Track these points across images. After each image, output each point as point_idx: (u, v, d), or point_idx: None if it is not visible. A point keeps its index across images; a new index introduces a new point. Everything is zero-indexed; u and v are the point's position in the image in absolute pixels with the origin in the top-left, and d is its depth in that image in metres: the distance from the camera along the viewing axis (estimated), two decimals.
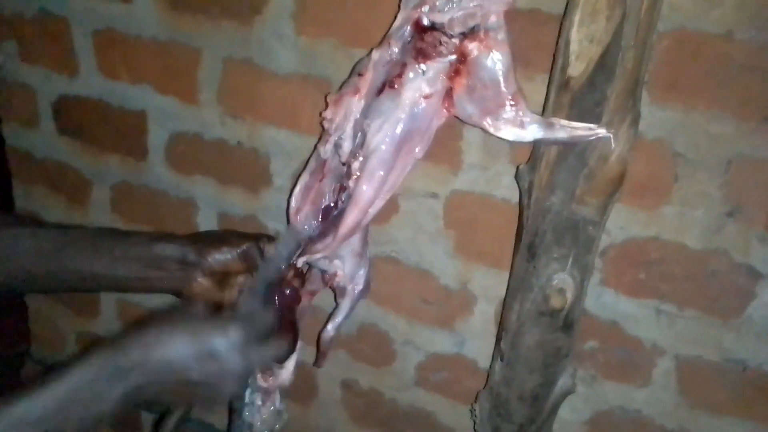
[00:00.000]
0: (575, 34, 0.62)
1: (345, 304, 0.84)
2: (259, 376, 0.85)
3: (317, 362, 0.92)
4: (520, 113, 0.64)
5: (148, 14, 0.97)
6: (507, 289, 0.77)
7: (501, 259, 0.84)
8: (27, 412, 0.51)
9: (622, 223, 0.78)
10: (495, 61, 0.63)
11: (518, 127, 0.64)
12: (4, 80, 1.15)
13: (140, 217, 1.14)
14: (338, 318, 0.85)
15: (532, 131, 0.64)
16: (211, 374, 0.57)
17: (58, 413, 0.52)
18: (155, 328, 0.57)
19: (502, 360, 0.78)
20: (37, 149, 1.19)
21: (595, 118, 0.63)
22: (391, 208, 0.91)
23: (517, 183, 0.74)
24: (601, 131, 0.63)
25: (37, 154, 1.19)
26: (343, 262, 0.80)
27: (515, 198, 0.79)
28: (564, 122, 0.64)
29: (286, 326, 0.82)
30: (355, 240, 0.79)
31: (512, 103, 0.64)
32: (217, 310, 0.68)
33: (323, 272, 0.83)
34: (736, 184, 0.71)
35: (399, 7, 0.70)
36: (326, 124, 0.74)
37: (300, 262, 0.79)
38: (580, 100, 0.63)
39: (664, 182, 0.74)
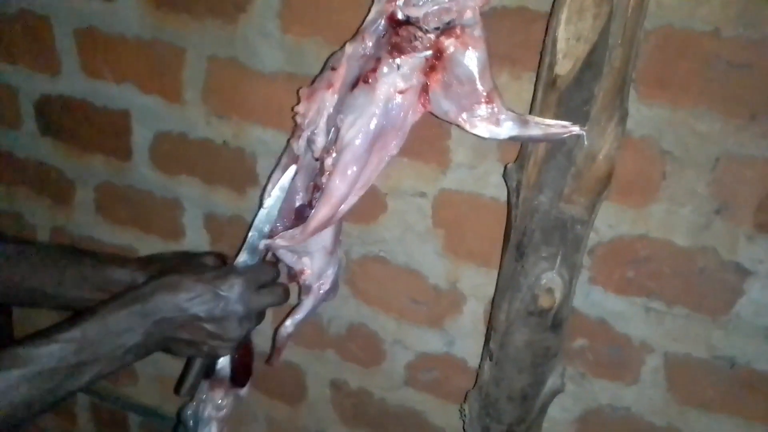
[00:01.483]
0: (562, 33, 0.61)
1: (308, 303, 0.82)
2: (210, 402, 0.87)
3: (270, 360, 0.89)
4: (495, 110, 0.64)
5: (131, 13, 0.95)
6: (496, 288, 0.77)
7: (490, 258, 0.84)
8: (67, 342, 0.60)
9: (611, 222, 0.77)
10: (471, 58, 0.62)
11: (493, 124, 0.64)
12: None
13: (125, 219, 1.12)
14: (298, 315, 0.83)
15: (507, 128, 0.64)
16: (217, 315, 0.66)
17: (93, 344, 0.62)
18: (172, 277, 0.67)
19: (491, 360, 0.78)
20: (20, 149, 1.17)
21: (582, 117, 0.63)
22: (379, 207, 0.90)
23: (506, 182, 0.73)
24: (575, 128, 0.63)
25: (19, 155, 1.17)
26: (312, 260, 0.78)
27: (504, 197, 0.78)
28: (538, 119, 0.64)
29: (242, 352, 0.82)
30: (327, 237, 0.77)
31: (487, 100, 0.64)
32: (224, 262, 0.73)
33: (289, 268, 0.82)
34: (724, 181, 0.71)
35: (372, 0, 0.69)
36: (299, 119, 0.73)
37: (262, 245, 0.76)
38: (567, 98, 0.63)
39: (652, 180, 0.74)
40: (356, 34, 0.69)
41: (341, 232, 0.82)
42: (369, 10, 0.69)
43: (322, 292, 0.82)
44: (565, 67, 0.62)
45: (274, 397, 1.13)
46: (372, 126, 0.67)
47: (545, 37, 0.65)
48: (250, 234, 0.73)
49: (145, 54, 0.97)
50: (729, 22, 0.65)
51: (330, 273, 0.81)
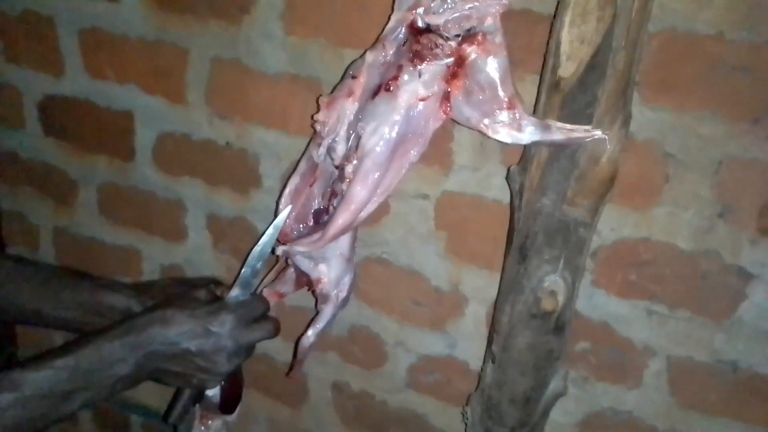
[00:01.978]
0: (566, 35, 0.61)
1: (327, 311, 0.82)
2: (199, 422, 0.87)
3: (292, 372, 0.90)
4: (517, 116, 0.64)
5: (135, 14, 0.95)
6: (498, 290, 0.77)
7: (492, 260, 0.84)
8: (61, 369, 0.62)
9: (613, 224, 0.77)
10: (492, 64, 0.63)
11: (515, 130, 0.64)
12: None
13: (127, 219, 1.13)
14: (319, 325, 0.83)
15: (529, 134, 0.64)
16: (207, 350, 0.68)
17: (86, 372, 0.63)
18: (166, 310, 0.68)
19: (493, 362, 0.78)
20: (23, 150, 1.17)
21: (585, 119, 0.63)
22: (381, 209, 0.90)
23: (508, 184, 0.73)
24: (597, 133, 0.63)
25: (22, 155, 1.18)
26: (329, 267, 0.78)
27: (506, 199, 0.78)
28: (560, 124, 0.64)
29: (231, 380, 0.82)
30: (345, 244, 0.78)
31: (509, 106, 0.64)
32: (216, 298, 0.74)
33: (305, 275, 0.81)
34: (727, 185, 0.71)
35: (392, 8, 0.69)
36: (318, 127, 0.73)
37: (280, 251, 0.76)
38: (570, 101, 0.63)
39: (655, 183, 0.74)
40: (376, 42, 0.70)
41: (357, 238, 0.81)
42: (389, 18, 0.69)
43: (340, 299, 0.82)
44: (568, 69, 0.62)
45: (276, 398, 1.13)
46: (393, 134, 0.67)
47: (549, 39, 0.65)
48: (243, 270, 0.74)
49: (149, 55, 0.97)
50: (733, 26, 0.65)
51: (347, 280, 0.81)
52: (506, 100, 0.64)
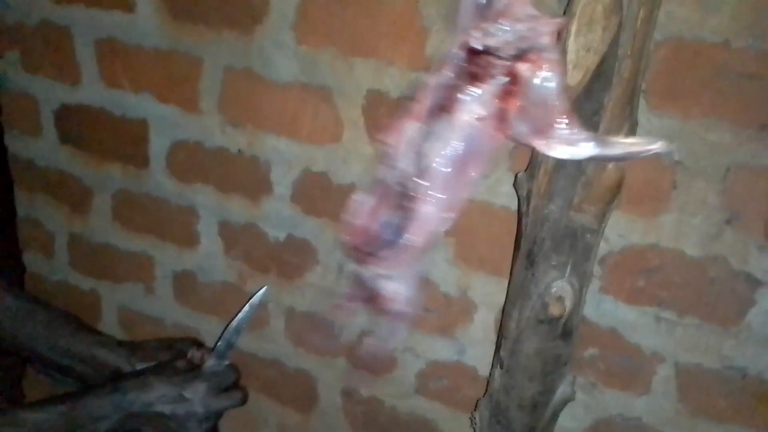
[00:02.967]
0: (572, 44, 0.62)
1: (399, 328, 0.84)
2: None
3: (372, 373, 0.93)
4: (574, 131, 0.63)
5: (150, 24, 0.97)
6: (506, 296, 0.78)
7: (501, 266, 0.84)
8: (55, 414, 0.72)
9: (621, 231, 0.78)
10: (546, 81, 0.62)
11: (571, 145, 0.63)
12: (7, 89, 1.16)
13: (141, 226, 1.14)
14: (385, 339, 0.85)
15: (586, 149, 0.63)
16: (180, 414, 0.77)
17: (75, 420, 0.72)
18: (147, 377, 0.77)
19: (501, 368, 0.78)
20: (39, 158, 1.19)
21: (592, 127, 0.63)
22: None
23: (516, 191, 0.74)
24: (657, 146, 0.61)
25: (39, 163, 1.20)
26: (402, 286, 0.81)
27: (514, 206, 0.79)
28: (618, 139, 0.63)
29: None
30: (417, 263, 0.79)
31: (565, 121, 0.63)
32: (194, 367, 0.81)
33: (378, 292, 0.83)
34: (735, 191, 0.71)
35: (451, 32, 0.70)
36: (386, 149, 0.76)
37: (353, 270, 0.80)
38: (577, 108, 0.64)
39: (663, 190, 0.74)
40: (436, 64, 0.72)
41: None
42: (434, 38, 0.71)
43: (411, 316, 0.83)
44: (575, 77, 0.63)
45: (286, 403, 1.14)
46: (455, 153, 0.69)
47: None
48: (219, 343, 0.81)
49: (163, 64, 0.99)
50: (739, 34, 0.66)
51: (415, 297, 0.83)
52: (562, 115, 0.63)
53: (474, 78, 0.67)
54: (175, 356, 0.84)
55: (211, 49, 0.94)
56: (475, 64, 0.66)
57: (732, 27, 0.66)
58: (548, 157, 0.67)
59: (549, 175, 0.67)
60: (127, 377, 0.79)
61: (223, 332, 0.81)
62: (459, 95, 0.68)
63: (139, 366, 0.83)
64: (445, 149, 0.69)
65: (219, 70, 0.95)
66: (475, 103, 0.67)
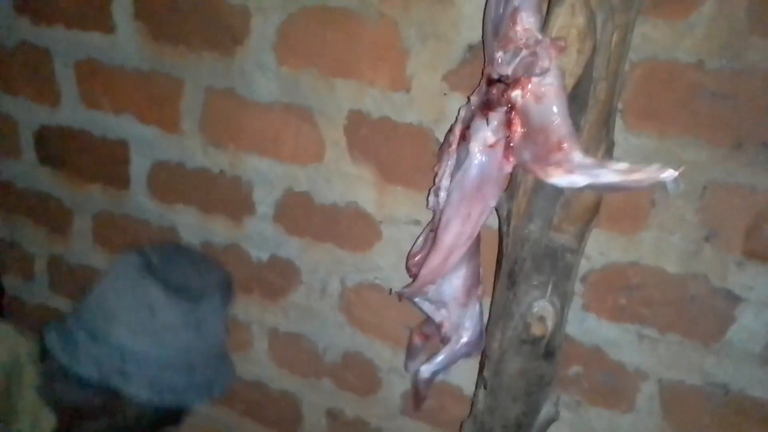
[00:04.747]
0: None
1: (444, 352, 0.85)
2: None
3: (415, 405, 0.92)
4: (568, 158, 0.61)
5: (130, 45, 0.97)
6: (489, 316, 0.77)
7: (486, 286, 0.84)
8: None
9: (602, 249, 0.78)
10: (543, 107, 0.61)
11: (569, 172, 0.61)
12: None
13: (122, 247, 1.13)
14: (433, 363, 0.86)
15: (584, 177, 0.61)
16: None
17: None
18: None
19: (485, 388, 0.78)
20: (19, 179, 1.18)
21: None
22: (374, 235, 0.91)
23: (496, 211, 0.74)
24: (661, 174, 0.58)
25: (18, 184, 1.19)
26: (449, 311, 0.81)
27: (496, 225, 0.79)
28: (619, 165, 0.60)
29: None
30: (458, 288, 0.80)
31: (559, 148, 0.62)
32: None
33: (432, 320, 0.84)
34: (712, 209, 0.72)
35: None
36: (436, 178, 0.77)
37: (401, 292, 0.81)
38: None
39: (642, 208, 0.75)
40: (470, 96, 0.72)
41: (478, 285, 0.82)
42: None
43: (459, 343, 0.83)
44: None
45: (270, 426, 1.13)
46: (467, 180, 0.69)
47: None
48: None
49: (144, 85, 0.99)
50: (712, 54, 0.67)
51: (468, 326, 0.82)
52: (556, 142, 0.61)
53: (486, 106, 0.67)
54: None
55: (192, 70, 0.94)
56: (491, 93, 0.67)
57: (706, 48, 0.67)
58: (527, 177, 0.67)
59: (528, 196, 0.67)
60: None
61: None
62: (473, 123, 0.69)
63: None
64: (459, 176, 0.70)
65: (200, 91, 0.95)
66: (485, 131, 0.68)
